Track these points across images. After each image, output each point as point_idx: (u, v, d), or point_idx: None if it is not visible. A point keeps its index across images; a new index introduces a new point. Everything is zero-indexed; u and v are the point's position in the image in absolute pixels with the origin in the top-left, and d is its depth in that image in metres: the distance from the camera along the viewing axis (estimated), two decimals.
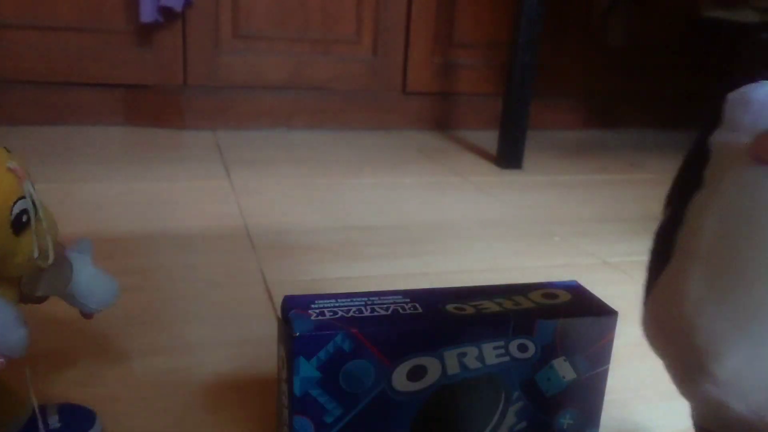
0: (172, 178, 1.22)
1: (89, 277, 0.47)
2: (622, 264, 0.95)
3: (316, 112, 1.71)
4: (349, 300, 0.46)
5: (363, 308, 0.45)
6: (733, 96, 0.36)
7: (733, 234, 0.32)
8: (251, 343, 0.66)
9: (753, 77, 0.35)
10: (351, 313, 0.44)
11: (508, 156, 1.46)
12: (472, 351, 0.45)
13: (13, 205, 0.40)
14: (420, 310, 0.46)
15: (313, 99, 1.71)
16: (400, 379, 0.44)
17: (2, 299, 0.41)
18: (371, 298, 0.47)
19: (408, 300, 0.47)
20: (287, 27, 1.66)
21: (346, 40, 1.72)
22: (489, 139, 1.61)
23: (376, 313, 0.45)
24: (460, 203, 1.19)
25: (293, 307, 0.45)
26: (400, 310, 0.45)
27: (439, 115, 1.84)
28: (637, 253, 1.00)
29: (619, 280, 0.89)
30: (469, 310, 0.46)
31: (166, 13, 1.52)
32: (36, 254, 0.42)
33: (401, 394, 0.44)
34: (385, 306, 0.46)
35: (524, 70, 1.40)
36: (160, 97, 1.60)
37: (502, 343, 0.45)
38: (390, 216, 1.10)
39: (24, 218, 0.41)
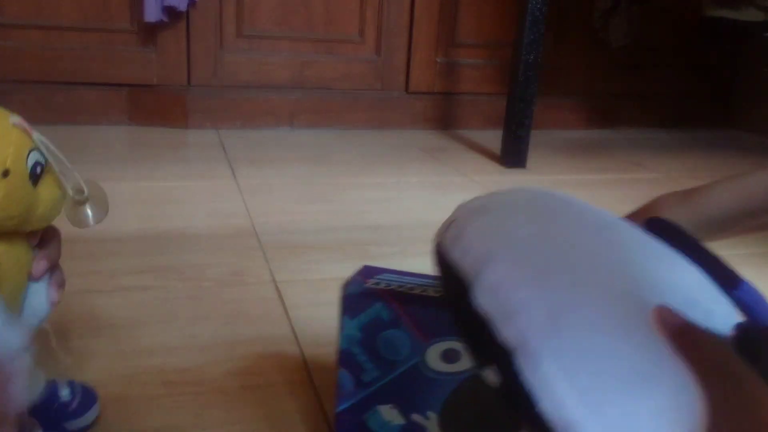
0: (178, 177, 1.22)
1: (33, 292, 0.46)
2: None
3: (320, 112, 1.71)
4: (413, 278, 0.48)
5: (417, 287, 0.47)
6: (452, 244, 0.37)
7: None
8: (262, 342, 0.66)
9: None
10: (403, 289, 0.46)
11: (512, 155, 1.46)
12: None
13: (27, 158, 0.41)
14: None
15: (317, 98, 1.71)
16: (433, 358, 0.45)
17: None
18: (430, 281, 0.48)
19: None
20: (291, 27, 1.66)
21: (349, 39, 1.72)
22: (492, 138, 1.61)
23: (424, 293, 0.46)
24: None
25: (362, 274, 0.48)
26: None
27: (443, 115, 1.84)
28: None
29: None
30: None
31: (171, 12, 1.52)
32: (72, 193, 0.43)
33: (434, 372, 0.45)
34: (439, 292, 0.46)
35: (528, 69, 1.40)
36: (165, 96, 1.60)
37: None
38: (395, 215, 1.10)
39: (38, 169, 0.41)
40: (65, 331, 0.66)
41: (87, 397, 0.53)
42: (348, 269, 0.86)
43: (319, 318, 0.73)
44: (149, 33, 1.56)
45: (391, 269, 0.49)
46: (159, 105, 1.60)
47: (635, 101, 2.06)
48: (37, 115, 1.53)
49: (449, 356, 0.45)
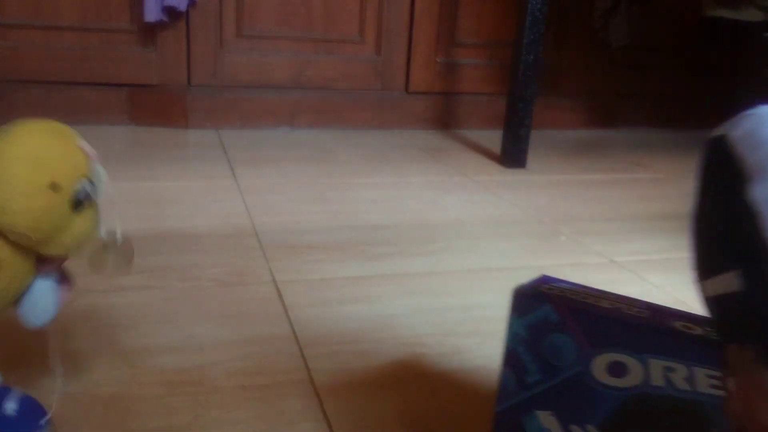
0: (178, 177, 1.22)
1: (41, 292, 0.46)
2: (629, 263, 0.95)
3: (320, 112, 1.71)
4: (590, 290, 0.47)
5: (591, 297, 0.46)
6: (741, 138, 0.35)
7: None
8: (262, 342, 0.66)
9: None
10: (574, 297, 0.45)
11: (512, 155, 1.46)
12: (681, 370, 0.42)
13: (77, 182, 0.41)
14: (644, 314, 0.44)
15: (317, 98, 1.71)
16: (599, 369, 0.43)
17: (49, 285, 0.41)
18: (608, 295, 0.47)
19: (642, 308, 0.46)
20: (291, 26, 1.66)
21: (349, 39, 1.72)
22: (493, 138, 1.61)
23: (596, 303, 0.45)
24: (464, 202, 1.19)
25: (538, 281, 0.48)
26: (623, 309, 0.45)
27: (443, 115, 1.84)
28: (645, 252, 1.00)
29: (627, 279, 0.89)
30: (696, 330, 0.43)
31: (171, 12, 1.52)
32: (103, 233, 0.43)
33: (599, 384, 0.44)
34: (614, 305, 0.45)
35: (528, 69, 1.40)
36: (165, 96, 1.60)
37: (720, 374, 0.41)
38: (395, 215, 1.10)
39: (82, 197, 0.41)
40: (65, 331, 0.66)
41: (33, 418, 0.47)
42: (348, 269, 0.86)
43: (319, 318, 0.72)
44: (149, 33, 1.56)
45: (570, 281, 0.49)
46: (159, 105, 1.60)
47: (635, 101, 2.06)
48: (37, 115, 1.53)
49: (616, 369, 0.43)
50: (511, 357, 0.46)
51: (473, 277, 0.86)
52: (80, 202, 0.41)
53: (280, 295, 0.77)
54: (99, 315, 0.70)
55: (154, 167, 1.27)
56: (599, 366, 0.43)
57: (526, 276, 0.88)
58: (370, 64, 1.75)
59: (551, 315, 0.44)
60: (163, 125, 1.60)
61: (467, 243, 0.99)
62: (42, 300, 0.46)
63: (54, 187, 0.39)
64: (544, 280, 0.48)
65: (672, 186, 1.41)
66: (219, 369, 0.61)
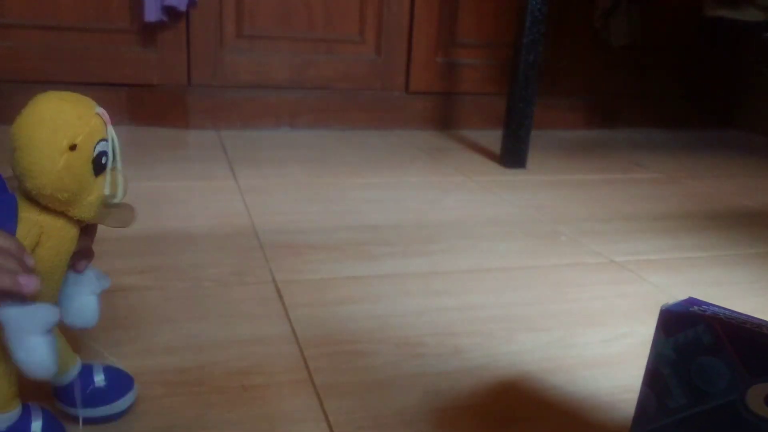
0: (178, 177, 1.22)
1: (86, 301, 0.50)
2: (629, 263, 0.95)
3: (320, 112, 1.71)
4: (743, 316, 0.43)
5: (749, 322, 0.41)
6: None
7: None
8: (262, 342, 0.66)
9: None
10: (728, 318, 0.42)
11: (512, 155, 1.46)
12: None
13: (96, 145, 0.43)
14: None
15: (317, 98, 1.71)
16: (756, 399, 0.39)
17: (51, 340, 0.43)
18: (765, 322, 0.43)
19: None
20: (291, 27, 1.66)
21: (349, 39, 1.72)
22: (492, 138, 1.61)
23: (757, 329, 0.40)
24: (464, 203, 1.19)
25: (686, 302, 0.44)
26: None
27: (443, 115, 1.84)
28: (644, 252, 1.00)
29: (626, 279, 0.89)
30: None
31: (171, 12, 1.52)
32: (108, 192, 0.45)
33: (755, 416, 0.39)
34: None
35: (528, 69, 1.40)
36: (165, 96, 1.60)
37: None
38: (395, 215, 1.10)
39: (103, 160, 0.44)
40: (63, 331, 0.66)
41: (122, 383, 0.53)
42: (348, 269, 0.86)
43: (319, 318, 0.73)
44: (149, 33, 1.56)
45: (719, 305, 0.45)
46: (159, 105, 1.60)
47: (635, 101, 2.06)
48: None
49: None
50: (653, 378, 0.43)
51: (473, 278, 0.86)
52: (101, 164, 0.44)
53: (279, 295, 0.77)
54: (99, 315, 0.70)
55: (154, 167, 1.27)
56: (756, 396, 0.39)
57: (526, 276, 0.88)
58: (370, 64, 1.75)
59: (704, 336, 0.41)
60: (163, 125, 1.60)
61: (467, 243, 0.99)
62: (86, 310, 0.50)
63: (73, 147, 0.42)
64: (692, 302, 0.44)
65: (672, 186, 1.41)
66: (219, 369, 0.61)
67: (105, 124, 0.45)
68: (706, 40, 2.05)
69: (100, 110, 0.44)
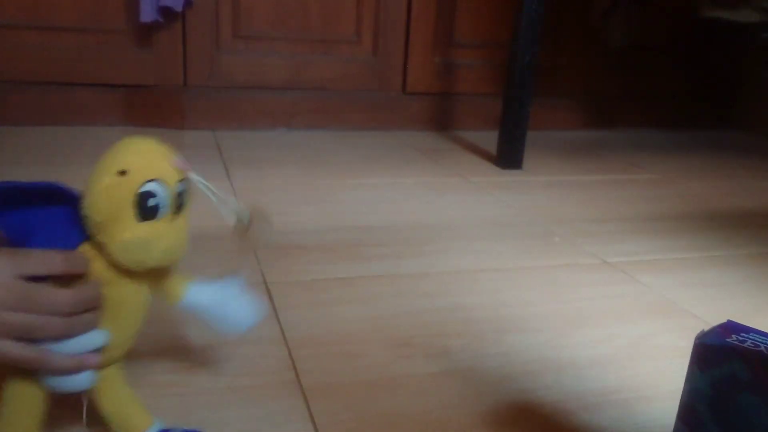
0: None
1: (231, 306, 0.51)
2: (621, 264, 0.95)
3: (316, 113, 1.71)
4: None
5: None
6: None
7: None
8: (250, 343, 0.66)
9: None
10: None
11: (508, 156, 1.46)
12: None
13: (148, 182, 0.42)
14: None
15: (313, 99, 1.71)
16: None
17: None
18: None
19: None
20: (287, 27, 1.66)
21: (346, 40, 1.72)
22: (489, 139, 1.61)
23: None
24: (460, 203, 1.19)
25: (723, 328, 0.42)
26: None
27: (439, 116, 1.84)
28: (638, 253, 1.00)
29: (618, 280, 0.89)
30: None
31: (166, 13, 1.52)
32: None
33: None
34: None
35: (524, 70, 1.40)
36: (160, 97, 1.60)
37: None
38: (390, 216, 1.09)
39: (150, 202, 0.42)
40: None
41: None
42: (340, 270, 0.86)
43: (308, 319, 0.72)
44: (145, 34, 1.56)
45: (758, 330, 0.42)
46: (155, 106, 1.60)
47: (633, 102, 2.05)
48: (33, 115, 1.53)
49: None
50: (687, 413, 0.41)
51: (466, 278, 0.86)
52: (146, 206, 0.42)
53: (270, 297, 0.77)
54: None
55: None
56: None
57: (520, 277, 0.88)
58: (367, 64, 1.74)
59: (742, 372, 0.38)
60: (159, 126, 1.60)
61: (461, 244, 0.99)
62: (234, 311, 0.50)
63: (121, 172, 0.42)
64: (730, 328, 0.42)
65: (668, 187, 1.41)
66: (207, 370, 0.61)
67: (176, 171, 0.44)
68: (705, 40, 2.05)
69: (177, 160, 0.44)
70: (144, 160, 0.42)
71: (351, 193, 1.21)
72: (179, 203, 0.44)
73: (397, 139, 1.70)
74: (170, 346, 0.65)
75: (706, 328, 0.43)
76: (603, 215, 1.18)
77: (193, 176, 0.44)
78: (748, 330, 0.42)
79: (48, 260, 0.42)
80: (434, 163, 1.48)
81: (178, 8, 1.51)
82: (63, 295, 0.42)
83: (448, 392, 0.61)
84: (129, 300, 0.45)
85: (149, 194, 0.42)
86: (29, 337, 0.41)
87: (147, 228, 0.42)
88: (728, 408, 0.39)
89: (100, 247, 0.43)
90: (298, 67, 1.69)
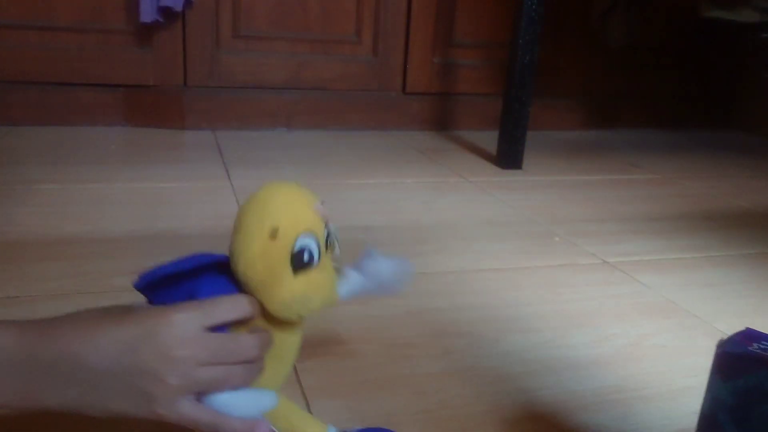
0: (173, 178, 1.22)
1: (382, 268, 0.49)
2: (621, 264, 0.95)
3: (316, 113, 1.71)
4: None
5: None
6: None
7: None
8: None
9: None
10: None
11: (508, 156, 1.46)
12: None
13: (299, 237, 0.41)
14: None
15: (313, 99, 1.71)
16: None
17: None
18: None
19: None
20: (287, 27, 1.66)
21: (346, 40, 1.72)
22: (489, 139, 1.61)
23: None
24: (459, 203, 1.19)
25: (743, 336, 0.41)
26: None
27: (439, 116, 1.84)
28: (638, 253, 1.00)
29: (618, 280, 0.89)
30: None
31: (166, 13, 1.52)
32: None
33: None
34: None
35: (524, 70, 1.40)
36: (161, 97, 1.60)
37: None
38: (389, 216, 1.10)
39: (305, 256, 0.41)
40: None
41: None
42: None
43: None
44: (145, 33, 1.56)
45: None
46: (155, 106, 1.60)
47: (633, 102, 2.05)
48: (32, 115, 1.53)
49: None
50: (708, 424, 0.40)
51: (465, 278, 0.86)
52: (301, 261, 0.41)
53: None
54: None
55: (149, 168, 1.27)
56: None
57: (519, 277, 0.88)
58: (367, 64, 1.75)
59: (767, 382, 0.37)
60: (159, 126, 1.60)
61: (461, 244, 0.99)
62: (388, 280, 0.49)
63: (273, 232, 0.40)
64: (750, 335, 0.41)
65: (667, 187, 1.41)
66: None
67: (321, 220, 0.43)
68: (705, 40, 2.05)
69: (320, 206, 0.43)
70: (292, 213, 0.41)
71: (351, 193, 1.21)
72: (326, 247, 0.43)
73: (396, 139, 1.70)
74: None
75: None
76: (603, 215, 1.18)
77: (331, 226, 0.44)
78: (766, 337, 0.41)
79: (237, 305, 0.41)
80: (434, 163, 1.48)
81: (178, 8, 1.51)
82: (251, 341, 0.41)
83: (448, 392, 0.61)
84: (285, 344, 0.45)
85: (303, 250, 0.41)
86: (211, 391, 0.40)
87: (304, 281, 0.42)
88: (751, 418, 0.38)
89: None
90: (298, 67, 1.69)
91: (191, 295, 0.42)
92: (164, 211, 1.04)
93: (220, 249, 0.92)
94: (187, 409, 0.39)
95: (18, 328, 0.39)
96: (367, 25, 1.72)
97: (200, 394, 0.40)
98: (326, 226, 0.43)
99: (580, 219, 1.15)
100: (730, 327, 0.77)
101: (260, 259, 0.41)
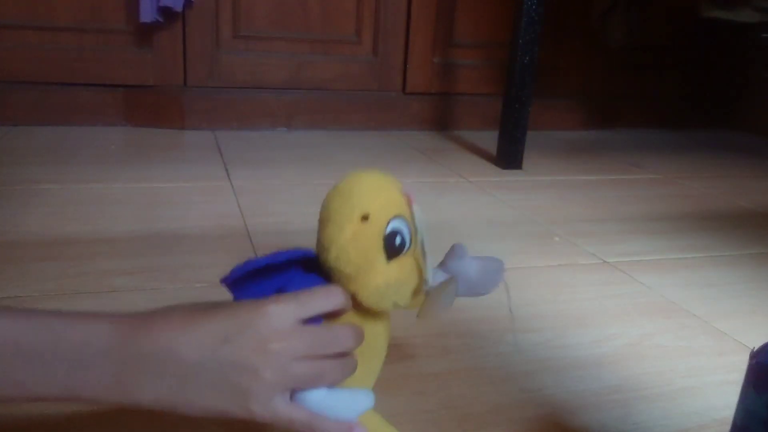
0: (173, 178, 1.22)
1: (474, 271, 0.48)
2: (621, 264, 0.95)
3: (316, 113, 1.71)
4: None
5: None
6: None
7: None
8: None
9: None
10: None
11: (508, 156, 1.46)
12: None
13: (391, 221, 0.40)
14: None
15: (313, 99, 1.71)
16: None
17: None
18: None
19: None
20: (287, 27, 1.66)
21: (346, 40, 1.72)
22: (489, 139, 1.61)
23: None
24: (459, 203, 1.19)
25: None
26: None
27: (439, 116, 1.84)
28: (637, 253, 1.00)
29: (618, 280, 0.89)
30: None
31: (166, 13, 1.52)
32: (425, 278, 0.41)
33: None
34: None
35: (524, 70, 1.40)
36: (161, 97, 1.60)
37: None
38: None
39: (397, 240, 0.40)
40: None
41: None
42: None
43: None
44: (145, 34, 1.56)
45: None
46: (155, 106, 1.60)
47: (633, 102, 2.05)
48: (32, 115, 1.53)
49: None
50: None
51: None
52: (394, 245, 0.40)
53: None
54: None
55: (149, 168, 1.27)
56: None
57: (520, 277, 0.88)
58: (367, 64, 1.74)
59: None
60: (158, 126, 1.60)
61: None
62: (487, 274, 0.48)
63: (364, 217, 0.40)
64: None
65: (668, 187, 1.41)
66: None
67: (409, 204, 0.42)
68: (706, 40, 2.05)
69: (406, 190, 0.42)
70: (381, 197, 0.41)
71: None
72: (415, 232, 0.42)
73: (397, 139, 1.70)
74: None
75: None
76: (603, 215, 1.18)
77: (417, 211, 0.43)
78: None
79: (332, 295, 0.40)
80: (434, 163, 1.48)
81: (178, 8, 1.51)
82: (346, 331, 0.40)
83: (448, 392, 0.61)
84: (376, 338, 0.44)
85: (395, 233, 0.40)
86: (306, 387, 0.39)
87: (396, 267, 0.41)
88: None
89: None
90: (298, 67, 1.69)
91: (281, 290, 0.41)
92: (164, 211, 1.04)
93: (222, 249, 0.92)
94: (282, 408, 0.38)
95: (111, 320, 0.38)
96: (367, 25, 1.72)
97: (293, 392, 0.39)
98: (414, 210, 0.42)
99: (580, 219, 1.15)
100: (731, 327, 0.77)
101: (353, 244, 0.40)
